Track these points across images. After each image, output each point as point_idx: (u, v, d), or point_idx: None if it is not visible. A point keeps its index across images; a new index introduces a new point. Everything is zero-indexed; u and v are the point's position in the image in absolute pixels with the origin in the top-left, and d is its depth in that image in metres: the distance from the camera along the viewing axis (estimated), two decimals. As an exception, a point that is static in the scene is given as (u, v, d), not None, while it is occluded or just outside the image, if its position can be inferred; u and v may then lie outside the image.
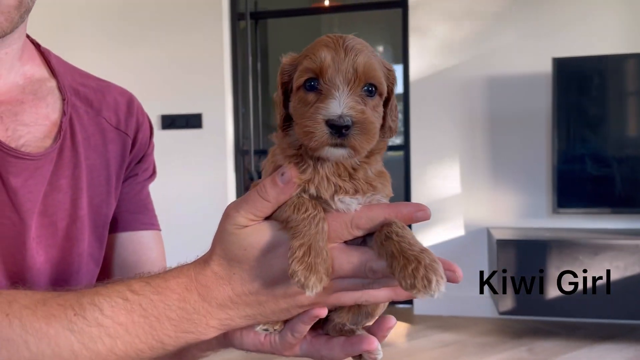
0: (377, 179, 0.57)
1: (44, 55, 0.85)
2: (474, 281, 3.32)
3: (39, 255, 0.78)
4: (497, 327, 3.22)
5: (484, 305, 3.36)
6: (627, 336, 2.99)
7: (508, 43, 3.30)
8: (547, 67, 3.14)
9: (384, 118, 0.57)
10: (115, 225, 0.90)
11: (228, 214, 0.56)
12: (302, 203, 0.54)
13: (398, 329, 3.20)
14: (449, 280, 0.51)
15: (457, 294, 3.31)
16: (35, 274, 0.77)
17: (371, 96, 0.53)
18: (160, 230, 0.96)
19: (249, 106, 3.81)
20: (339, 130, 0.49)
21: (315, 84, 0.52)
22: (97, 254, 0.86)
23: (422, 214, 0.54)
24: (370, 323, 0.63)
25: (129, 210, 0.91)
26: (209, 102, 3.59)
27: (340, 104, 0.50)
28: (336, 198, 0.55)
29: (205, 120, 3.60)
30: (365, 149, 0.52)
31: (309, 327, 0.60)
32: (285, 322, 0.60)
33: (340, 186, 0.55)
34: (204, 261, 0.58)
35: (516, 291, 2.89)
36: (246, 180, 3.76)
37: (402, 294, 0.55)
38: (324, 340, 0.62)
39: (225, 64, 3.61)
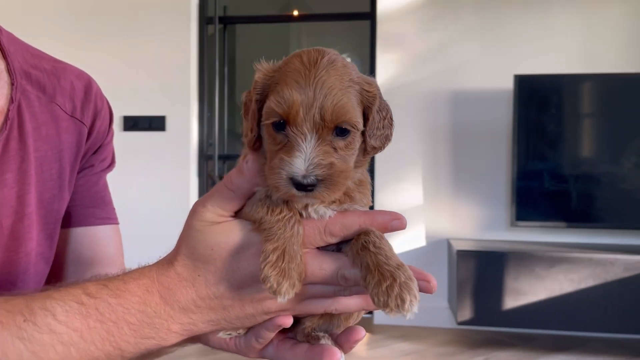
0: (357, 188, 0.55)
1: None
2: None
3: None
4: (455, 338, 3.25)
5: (442, 316, 3.39)
6: (581, 348, 3.06)
7: (472, 59, 3.37)
8: (509, 84, 3.21)
9: (364, 141, 0.54)
10: (69, 220, 0.85)
11: (195, 209, 0.54)
12: (277, 204, 0.52)
13: (358, 339, 3.19)
14: (422, 290, 0.51)
15: (422, 302, 3.32)
16: None
17: (344, 136, 0.50)
18: (117, 224, 0.91)
19: (214, 111, 3.77)
20: (303, 187, 0.48)
21: (283, 127, 0.50)
22: (48, 252, 0.81)
23: (398, 223, 0.52)
24: (340, 331, 0.61)
25: (84, 204, 0.86)
26: (174, 105, 3.53)
27: (305, 159, 0.48)
28: (310, 208, 0.53)
29: (169, 123, 3.54)
30: (334, 197, 0.50)
31: (273, 334, 0.57)
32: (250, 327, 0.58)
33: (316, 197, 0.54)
34: (167, 262, 0.55)
35: (474, 302, 2.93)
36: (209, 186, 3.70)
37: (374, 305, 0.53)
38: (289, 345, 0.60)
39: (192, 67, 3.57)
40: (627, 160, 3.09)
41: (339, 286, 0.53)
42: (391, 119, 0.57)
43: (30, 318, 0.52)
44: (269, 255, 0.49)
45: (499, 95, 3.32)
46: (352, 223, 0.52)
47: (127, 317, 0.53)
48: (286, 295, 0.48)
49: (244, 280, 0.53)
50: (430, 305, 3.35)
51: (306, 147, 0.48)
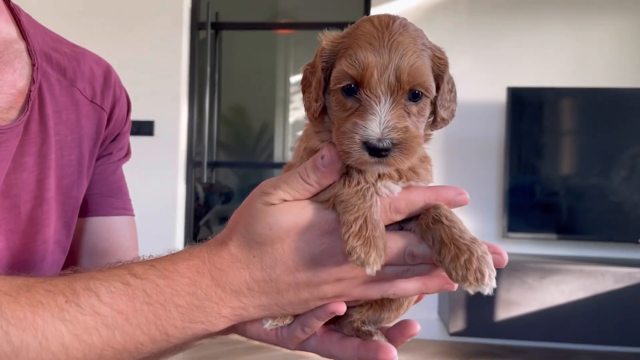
0: (421, 164, 0.53)
1: (14, 12, 0.76)
2: (425, 303, 3.33)
3: None
4: (446, 350, 3.23)
5: (433, 328, 3.37)
6: (570, 360, 3.08)
7: (465, 71, 3.40)
8: (502, 96, 3.25)
9: (434, 112, 0.53)
10: (86, 209, 0.82)
11: (264, 190, 0.51)
12: (352, 176, 0.49)
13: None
14: (495, 264, 0.49)
15: (407, 316, 3.30)
16: None
17: (416, 101, 0.49)
18: (134, 215, 0.89)
19: (204, 117, 3.73)
20: (377, 152, 0.46)
21: (355, 91, 0.48)
22: (64, 240, 0.78)
23: (462, 198, 0.52)
24: (390, 324, 0.59)
25: (101, 193, 0.83)
26: (163, 110, 3.49)
27: (380, 122, 0.46)
28: (379, 183, 0.51)
29: (157, 128, 3.49)
30: (406, 165, 0.49)
31: (322, 323, 0.54)
32: (296, 315, 0.55)
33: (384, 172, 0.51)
34: (220, 242, 0.53)
35: (466, 313, 2.92)
36: (198, 192, 3.65)
37: (433, 286, 0.52)
38: (336, 338, 0.57)
39: (183, 72, 3.53)
40: (617, 173, 3.14)
41: (404, 266, 0.51)
42: (456, 93, 0.55)
43: (73, 299, 0.49)
44: (351, 226, 0.46)
45: (491, 108, 3.35)
46: (417, 199, 0.50)
47: (176, 300, 0.50)
48: (374, 266, 0.45)
49: (302, 263, 0.51)
50: (421, 317, 3.31)
51: (381, 110, 0.46)
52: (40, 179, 0.72)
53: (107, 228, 0.84)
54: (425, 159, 0.55)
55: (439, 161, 3.43)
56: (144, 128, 3.47)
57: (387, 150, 0.46)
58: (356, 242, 0.46)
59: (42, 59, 0.76)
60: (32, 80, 0.72)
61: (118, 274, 0.51)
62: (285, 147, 6.06)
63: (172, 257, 0.53)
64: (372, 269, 0.46)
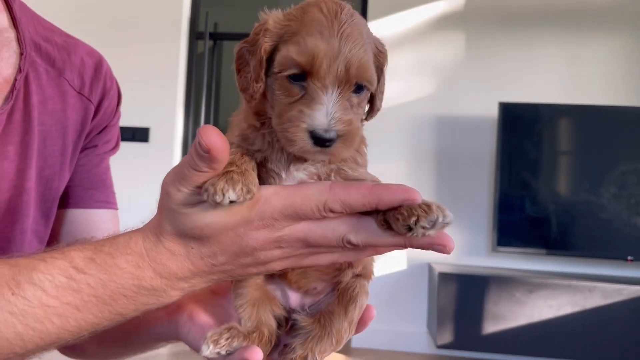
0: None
1: (7, 0, 0.75)
2: (412, 316, 3.34)
3: None
4: (433, 363, 3.22)
5: (420, 341, 3.36)
6: (557, 376, 3.06)
7: (459, 85, 3.44)
8: (494, 111, 3.28)
9: (373, 102, 0.53)
10: (67, 200, 0.82)
11: (168, 191, 0.49)
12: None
13: (335, 360, 3.14)
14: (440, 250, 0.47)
15: (395, 329, 3.30)
16: None
17: (359, 93, 0.49)
18: (117, 209, 0.89)
19: (199, 125, 3.75)
20: (322, 142, 0.45)
21: (302, 78, 0.47)
22: (43, 231, 0.78)
23: (411, 203, 0.45)
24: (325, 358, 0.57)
25: (83, 185, 0.83)
26: (159, 117, 3.51)
27: (327, 112, 0.45)
28: (292, 167, 0.50)
29: (152, 135, 3.51)
30: (346, 155, 0.49)
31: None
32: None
33: (297, 156, 0.50)
34: (153, 235, 0.51)
35: (454, 326, 2.92)
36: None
37: (386, 241, 0.48)
38: None
39: (180, 80, 3.56)
40: (606, 190, 3.16)
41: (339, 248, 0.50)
42: (384, 83, 0.56)
43: (19, 292, 0.49)
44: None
45: (483, 122, 3.38)
46: (355, 203, 0.46)
47: (122, 291, 0.51)
48: (226, 196, 0.44)
49: (244, 250, 0.49)
50: (409, 330, 3.33)
51: (328, 100, 0.46)
52: (21, 169, 0.73)
53: (87, 221, 0.83)
54: (362, 150, 0.54)
55: (429, 174, 3.46)
56: (139, 134, 3.48)
57: (331, 140, 0.45)
58: (210, 180, 0.45)
59: (32, 48, 0.76)
60: (19, 70, 0.73)
61: (60, 266, 0.51)
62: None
63: (110, 248, 0.52)
64: (224, 199, 0.44)
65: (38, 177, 0.75)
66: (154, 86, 3.49)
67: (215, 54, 3.94)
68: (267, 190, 0.48)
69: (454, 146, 3.44)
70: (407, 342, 3.35)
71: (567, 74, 3.39)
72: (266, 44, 0.49)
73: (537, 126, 3.25)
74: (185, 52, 3.61)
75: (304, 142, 0.45)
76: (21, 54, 0.74)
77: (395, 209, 0.45)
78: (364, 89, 0.49)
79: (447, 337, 2.93)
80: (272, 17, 0.50)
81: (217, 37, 3.93)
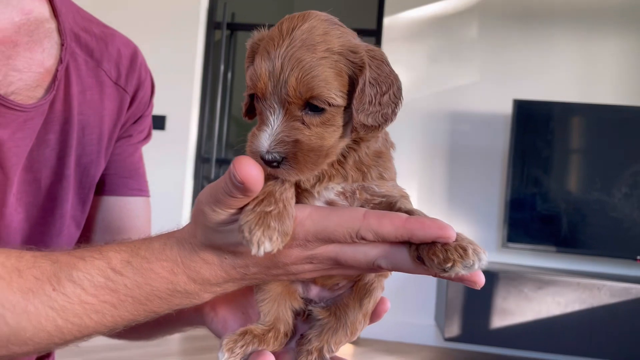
0: (373, 161, 0.52)
1: None
2: (421, 308, 3.38)
3: (18, 213, 0.73)
4: (440, 355, 3.26)
5: (428, 333, 3.40)
6: (562, 372, 3.10)
7: (473, 82, 3.45)
8: (508, 108, 3.29)
9: (351, 115, 0.48)
10: (102, 188, 0.85)
11: (203, 210, 0.49)
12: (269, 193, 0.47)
13: (344, 350, 3.19)
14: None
15: (403, 320, 3.34)
16: (12, 232, 0.72)
17: (319, 112, 0.46)
18: (149, 196, 0.91)
19: (215, 115, 3.79)
20: (269, 164, 0.45)
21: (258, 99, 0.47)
22: (80, 216, 0.81)
23: (445, 236, 0.44)
24: (338, 348, 0.59)
25: (118, 174, 0.86)
26: (175, 106, 3.55)
27: (270, 135, 0.45)
28: (318, 187, 0.50)
29: (168, 123, 3.56)
30: (312, 171, 0.47)
31: None
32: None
33: (325, 174, 0.50)
34: (188, 244, 0.53)
35: (462, 319, 2.96)
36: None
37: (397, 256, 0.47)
38: None
39: (197, 70, 3.60)
40: (618, 190, 3.17)
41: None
42: (395, 94, 0.51)
43: (60, 288, 0.52)
44: (250, 204, 0.46)
45: (497, 119, 3.40)
46: (387, 234, 0.46)
47: (157, 293, 0.53)
48: (261, 247, 0.43)
49: (276, 264, 0.51)
50: (417, 322, 3.37)
51: (273, 122, 0.45)
52: (61, 156, 0.75)
53: (121, 208, 0.86)
54: (380, 155, 0.53)
55: (442, 169, 3.48)
56: (156, 122, 3.53)
57: (276, 162, 0.45)
58: (245, 219, 0.45)
59: (71, 39, 0.77)
60: (60, 60, 0.74)
61: (99, 266, 0.53)
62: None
63: (146, 252, 0.54)
64: (259, 251, 0.43)
65: (76, 165, 0.78)
66: (171, 75, 3.53)
67: (232, 43, 3.97)
68: (302, 213, 0.48)
69: (467, 142, 3.46)
70: (415, 334, 3.39)
71: (582, 73, 3.39)
72: (246, 64, 0.50)
73: (550, 124, 3.26)
74: (202, 41, 3.65)
75: (259, 161, 0.45)
76: (62, 44, 0.76)
77: (429, 243, 0.44)
78: (322, 108, 0.46)
79: (454, 330, 2.97)
80: (252, 37, 0.50)
81: (234, 27, 3.96)
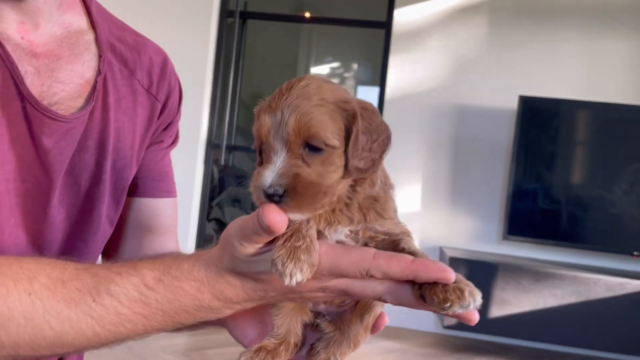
0: (369, 205, 0.57)
1: (85, 3, 0.81)
2: (422, 296, 3.48)
3: (60, 213, 0.79)
4: (438, 341, 3.37)
5: (427, 320, 3.51)
6: (556, 361, 3.21)
7: (480, 77, 3.50)
8: (513, 104, 3.35)
9: (347, 159, 0.53)
10: (135, 190, 0.91)
11: (231, 242, 0.54)
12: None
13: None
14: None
15: (404, 307, 3.44)
16: (54, 230, 0.78)
17: (318, 152, 0.51)
18: (176, 196, 0.98)
19: (226, 101, 3.86)
20: (270, 197, 0.49)
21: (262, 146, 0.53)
22: (113, 215, 0.87)
23: (444, 279, 0.49)
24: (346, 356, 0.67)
25: (150, 177, 0.92)
26: (187, 93, 3.58)
27: (273, 171, 0.50)
28: (327, 231, 0.55)
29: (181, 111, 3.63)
30: (312, 207, 0.51)
31: None
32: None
33: (334, 220, 0.55)
34: (215, 267, 0.58)
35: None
36: (214, 175, 3.76)
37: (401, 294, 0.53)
38: None
39: (209, 57, 3.65)
40: (618, 187, 3.24)
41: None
42: (384, 143, 0.55)
43: (99, 300, 0.58)
44: (280, 240, 0.51)
45: (502, 114, 3.46)
46: (394, 274, 0.51)
47: (184, 308, 0.60)
48: (293, 278, 0.49)
49: (292, 291, 0.57)
50: (417, 310, 3.47)
51: (277, 160, 0.50)
52: (99, 161, 0.81)
53: (152, 208, 0.93)
54: (377, 199, 0.58)
55: (446, 162, 3.55)
56: (168, 108, 3.60)
57: (277, 195, 0.49)
58: (277, 254, 0.50)
59: (108, 49, 0.81)
60: (99, 72, 0.79)
61: (133, 282, 0.59)
62: (301, 135, 6.14)
63: (176, 272, 0.59)
64: (291, 281, 0.49)
65: (112, 169, 0.84)
66: (184, 61, 3.58)
67: (243, 31, 4.03)
68: (319, 249, 0.53)
69: (472, 136, 3.52)
70: (415, 321, 3.50)
71: (588, 71, 3.43)
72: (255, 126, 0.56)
73: (555, 121, 3.32)
74: (215, 28, 3.70)
75: (260, 198, 0.50)
76: (99, 56, 0.80)
77: (431, 284, 0.49)
78: (321, 148, 0.51)
79: (453, 318, 3.07)
80: (261, 104, 0.56)
81: (247, 16, 4.01)
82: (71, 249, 0.82)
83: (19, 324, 0.57)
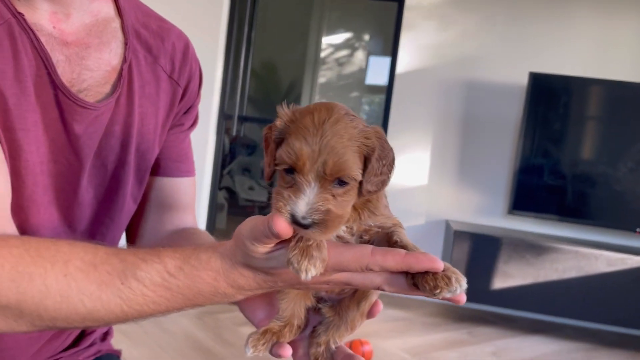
0: (362, 205, 0.62)
1: None
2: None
3: (88, 193, 0.85)
4: (442, 311, 3.48)
5: (432, 290, 3.60)
6: (557, 332, 3.30)
7: (490, 52, 3.50)
8: (523, 80, 3.36)
9: (361, 185, 0.59)
10: (157, 170, 0.96)
11: (243, 242, 0.59)
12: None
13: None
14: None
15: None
16: (84, 208, 0.85)
17: (342, 185, 0.57)
18: (195, 175, 1.04)
19: (238, 71, 3.89)
20: (299, 225, 0.55)
21: (292, 172, 0.57)
22: (137, 194, 0.93)
23: (435, 268, 0.56)
24: (343, 338, 0.74)
25: (171, 159, 0.97)
26: (200, 62, 3.64)
27: (307, 203, 0.55)
28: None
29: (193, 81, 3.67)
30: (333, 233, 0.57)
31: None
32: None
33: None
34: (229, 260, 0.63)
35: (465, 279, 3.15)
36: (226, 146, 3.82)
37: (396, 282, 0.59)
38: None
39: (222, 28, 3.67)
40: (623, 164, 3.27)
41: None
42: (391, 164, 0.62)
43: (126, 283, 0.64)
44: (292, 242, 0.57)
45: (511, 90, 3.47)
46: (390, 267, 0.57)
47: (202, 293, 0.66)
48: (308, 273, 0.55)
49: (299, 283, 0.62)
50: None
51: (309, 192, 0.55)
52: (124, 145, 0.86)
53: (172, 187, 0.98)
54: (370, 200, 0.63)
55: (454, 137, 3.59)
56: (181, 79, 3.64)
57: (307, 225, 0.55)
58: (292, 253, 0.56)
59: (133, 36, 0.84)
60: (124, 59, 0.83)
61: (157, 269, 0.65)
62: (312, 106, 6.14)
63: (195, 262, 0.65)
64: (307, 276, 0.55)
65: (136, 151, 0.89)
66: (196, 31, 3.59)
67: (256, 2, 4.03)
68: None
69: (481, 111, 3.55)
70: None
71: (599, 48, 3.42)
72: (274, 136, 0.61)
73: (564, 98, 3.33)
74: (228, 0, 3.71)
75: (288, 219, 0.55)
76: (125, 43, 0.83)
77: (422, 273, 0.56)
78: (346, 182, 0.57)
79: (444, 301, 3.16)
80: (281, 116, 0.61)
81: (259, -14, 4.00)
82: (99, 224, 0.89)
83: (56, 301, 0.64)
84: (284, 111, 0.61)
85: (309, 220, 0.55)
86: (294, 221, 0.54)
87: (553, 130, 3.35)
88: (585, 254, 3.06)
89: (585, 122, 3.42)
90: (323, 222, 0.55)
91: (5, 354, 0.84)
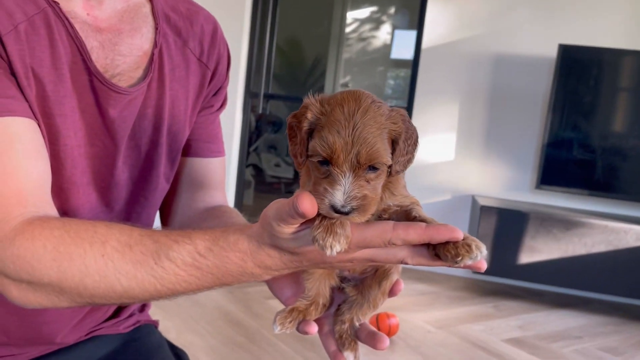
0: (384, 185, 0.64)
1: None
2: (453, 241, 3.58)
3: (124, 173, 0.89)
4: (468, 285, 3.51)
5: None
6: (583, 307, 3.30)
7: (519, 24, 3.43)
8: (552, 52, 3.29)
9: (390, 167, 0.62)
10: (188, 151, 0.99)
11: (270, 223, 0.61)
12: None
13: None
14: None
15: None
16: (119, 189, 0.89)
17: (374, 170, 0.59)
18: (224, 155, 1.07)
19: (263, 49, 3.91)
20: (340, 213, 0.57)
21: (326, 163, 0.59)
22: (169, 174, 0.97)
23: (455, 238, 0.57)
24: (367, 316, 0.77)
25: (201, 139, 1.00)
26: (226, 40, 3.67)
27: (344, 192, 0.57)
28: None
29: (219, 59, 3.70)
30: (369, 215, 0.59)
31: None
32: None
33: None
34: (256, 241, 0.65)
35: (491, 254, 3.16)
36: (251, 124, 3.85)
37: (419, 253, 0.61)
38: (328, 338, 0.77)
39: (247, 4, 3.68)
40: (655, 138, 3.20)
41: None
42: (415, 142, 0.65)
43: (159, 263, 0.67)
44: (316, 221, 0.59)
45: (541, 62, 3.41)
46: (412, 240, 0.58)
47: (230, 272, 0.68)
48: (333, 249, 0.57)
49: (324, 262, 0.65)
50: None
51: (345, 182, 0.58)
52: (157, 127, 0.90)
53: (203, 167, 1.02)
54: (392, 180, 0.65)
55: (481, 111, 3.56)
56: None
57: (347, 212, 0.58)
58: (317, 231, 0.58)
59: (163, 20, 0.86)
60: (155, 44, 0.86)
61: (188, 250, 0.67)
62: (336, 83, 6.13)
63: (224, 244, 0.67)
64: (332, 252, 0.57)
65: (168, 133, 0.93)
66: (222, 10, 3.63)
67: (280, -22, 4.02)
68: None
69: (509, 85, 3.50)
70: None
71: (630, 19, 3.32)
72: (305, 127, 0.63)
73: (594, 70, 3.26)
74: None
75: (327, 211, 0.58)
76: (155, 28, 0.85)
77: (443, 243, 0.58)
78: (380, 167, 0.60)
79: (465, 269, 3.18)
80: (311, 108, 0.63)
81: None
82: (134, 203, 0.93)
83: (94, 279, 0.68)
84: (312, 102, 0.63)
85: (348, 207, 0.57)
86: (335, 210, 0.57)
87: (583, 103, 3.29)
88: (614, 229, 3.03)
89: (616, 95, 3.34)
90: (361, 206, 0.58)
91: (50, 326, 0.90)
